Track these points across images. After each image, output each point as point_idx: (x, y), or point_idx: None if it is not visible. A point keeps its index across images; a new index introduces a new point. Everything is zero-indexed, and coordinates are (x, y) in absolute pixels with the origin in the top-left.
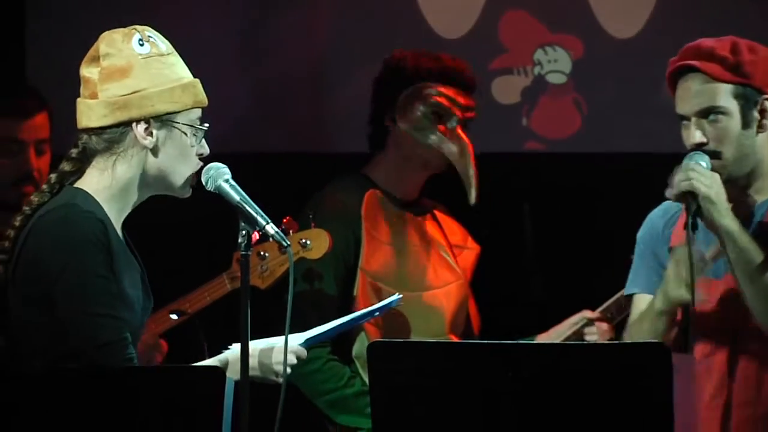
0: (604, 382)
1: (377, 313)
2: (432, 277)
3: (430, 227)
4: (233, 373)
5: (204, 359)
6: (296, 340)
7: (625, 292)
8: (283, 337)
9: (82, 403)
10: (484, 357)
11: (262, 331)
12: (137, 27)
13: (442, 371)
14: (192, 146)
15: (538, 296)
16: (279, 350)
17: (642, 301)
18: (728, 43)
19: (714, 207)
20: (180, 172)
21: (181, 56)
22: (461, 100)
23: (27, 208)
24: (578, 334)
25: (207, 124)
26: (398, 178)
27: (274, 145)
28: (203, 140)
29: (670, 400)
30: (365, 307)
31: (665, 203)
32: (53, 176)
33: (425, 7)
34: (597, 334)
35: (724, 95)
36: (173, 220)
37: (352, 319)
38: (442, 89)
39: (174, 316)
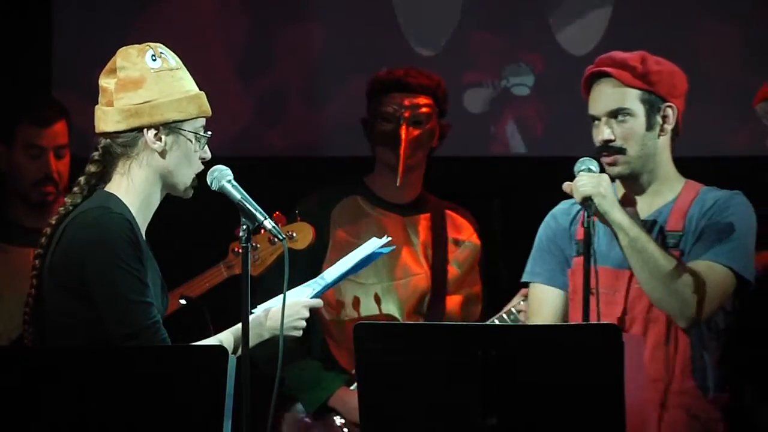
0: (563, 358)
1: (375, 257)
2: (396, 270)
3: (420, 226)
4: (254, 337)
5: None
6: (307, 293)
7: (523, 279)
8: (292, 294)
9: (87, 380)
10: (458, 337)
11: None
12: (150, 44)
13: (421, 350)
14: (196, 151)
15: (504, 280)
16: (292, 307)
17: (542, 292)
18: (638, 55)
19: (603, 203)
20: (184, 173)
21: (190, 70)
22: (406, 101)
23: (62, 209)
24: (515, 311)
25: (210, 132)
26: (385, 184)
27: (271, 150)
28: (206, 146)
29: (621, 373)
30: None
31: (566, 202)
32: (82, 178)
33: (406, 28)
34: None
35: (632, 99)
36: (176, 216)
37: (354, 267)
38: (387, 98)
39: (182, 301)
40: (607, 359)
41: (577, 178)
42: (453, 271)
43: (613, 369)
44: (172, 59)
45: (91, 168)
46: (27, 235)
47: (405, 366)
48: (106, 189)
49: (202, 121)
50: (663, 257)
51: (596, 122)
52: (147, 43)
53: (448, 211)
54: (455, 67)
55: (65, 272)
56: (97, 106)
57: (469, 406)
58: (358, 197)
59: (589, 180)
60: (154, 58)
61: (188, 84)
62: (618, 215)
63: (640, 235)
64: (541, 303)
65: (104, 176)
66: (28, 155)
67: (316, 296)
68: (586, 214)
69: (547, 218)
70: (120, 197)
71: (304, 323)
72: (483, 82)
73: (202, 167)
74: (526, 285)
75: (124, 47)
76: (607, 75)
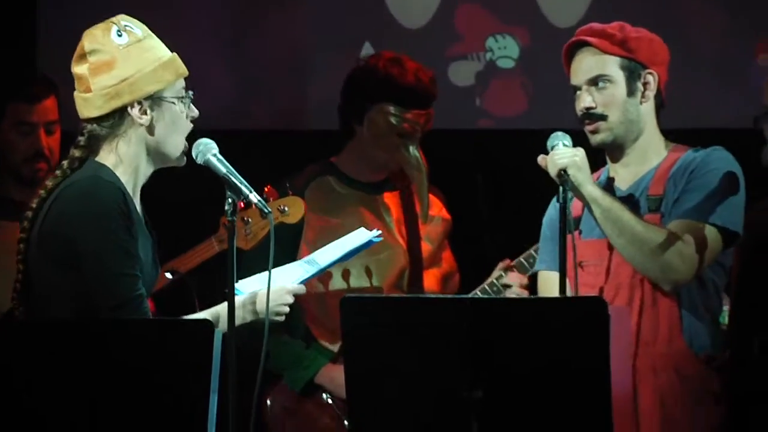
0: (550, 330)
1: (366, 248)
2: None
3: (391, 203)
4: (237, 319)
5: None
6: (292, 279)
7: (534, 268)
8: (278, 274)
9: (73, 353)
10: (444, 310)
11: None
12: (113, 19)
13: (406, 323)
14: (182, 112)
15: (490, 254)
16: (276, 292)
17: (546, 277)
18: (617, 24)
19: (578, 175)
20: (175, 141)
21: (174, 44)
22: (422, 120)
23: (42, 191)
24: (497, 283)
25: (192, 91)
26: (360, 168)
27: (257, 123)
28: (191, 104)
29: (607, 346)
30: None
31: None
32: (65, 162)
33: (390, 1)
34: (511, 282)
35: (612, 65)
36: (167, 190)
37: (344, 256)
38: (407, 115)
39: (169, 275)
40: (593, 332)
41: (552, 152)
42: (426, 246)
43: (598, 342)
44: (138, 29)
45: (76, 153)
46: (18, 209)
47: (391, 339)
48: (96, 160)
49: (182, 82)
50: (638, 223)
51: (578, 92)
52: (109, 20)
53: (413, 187)
54: (440, 40)
55: (54, 244)
56: (75, 93)
57: (456, 380)
58: (329, 177)
59: (564, 152)
60: (119, 33)
61: (159, 50)
62: (590, 188)
63: (612, 204)
64: (546, 288)
65: (92, 152)
66: (18, 132)
67: (304, 281)
68: (561, 189)
69: (549, 207)
70: (110, 167)
71: (287, 309)
72: (468, 54)
73: (191, 126)
74: (503, 258)
75: (88, 30)
76: (586, 45)
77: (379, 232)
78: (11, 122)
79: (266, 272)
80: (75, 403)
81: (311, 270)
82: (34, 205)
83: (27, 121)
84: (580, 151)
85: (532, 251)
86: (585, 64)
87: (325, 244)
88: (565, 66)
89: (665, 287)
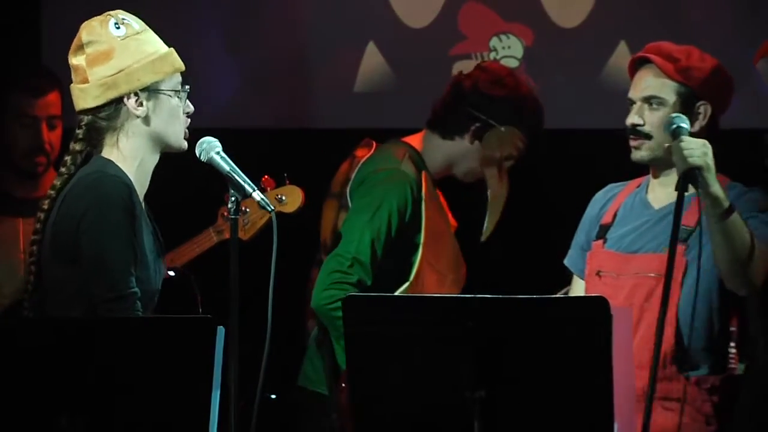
0: (552, 331)
1: None
2: (460, 258)
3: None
4: None
5: (198, 311)
6: None
7: (565, 261)
8: None
9: (76, 352)
10: (448, 309)
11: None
12: (111, 13)
13: (411, 322)
14: (178, 106)
15: (496, 256)
16: None
17: (573, 280)
18: (685, 49)
19: (710, 175)
20: (173, 131)
21: (178, 41)
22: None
23: (51, 191)
24: None
25: (188, 86)
26: (441, 166)
27: (260, 122)
28: (187, 100)
29: (609, 345)
30: (419, 283)
31: (610, 185)
32: (68, 158)
33: (394, 0)
34: None
35: (668, 89)
36: (164, 181)
37: None
38: (522, 142)
39: (171, 273)
40: (596, 332)
41: (683, 144)
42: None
43: (601, 341)
44: (135, 23)
45: (77, 146)
46: (16, 205)
47: (395, 337)
48: (102, 155)
49: (179, 77)
50: (744, 229)
51: (632, 105)
52: (107, 13)
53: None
54: (444, 40)
55: (60, 239)
56: (72, 85)
57: (459, 378)
58: (426, 174)
59: (697, 148)
60: (117, 26)
61: (156, 44)
62: (717, 186)
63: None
64: (572, 290)
65: (95, 149)
66: (20, 125)
67: None
68: (683, 179)
69: (592, 200)
70: (116, 163)
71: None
72: (472, 54)
73: (188, 120)
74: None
75: (86, 21)
76: (651, 62)
77: None
78: (13, 114)
79: None
80: (77, 401)
81: None
82: (45, 206)
83: (29, 114)
84: (709, 148)
85: None
86: (644, 82)
87: (437, 256)
88: (630, 77)
89: (741, 291)
